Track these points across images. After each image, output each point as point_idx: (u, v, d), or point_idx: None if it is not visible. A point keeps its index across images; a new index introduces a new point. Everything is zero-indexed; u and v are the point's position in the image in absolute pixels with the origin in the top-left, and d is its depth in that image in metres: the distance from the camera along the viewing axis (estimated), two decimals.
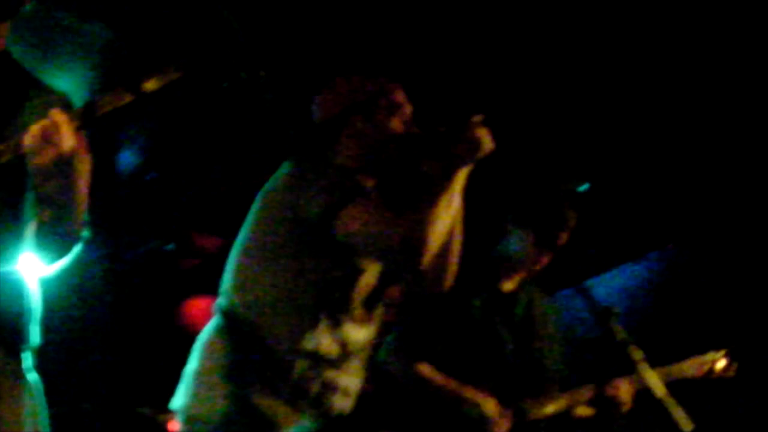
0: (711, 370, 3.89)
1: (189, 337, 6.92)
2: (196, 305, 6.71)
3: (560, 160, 4.80)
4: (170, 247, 5.70)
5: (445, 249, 2.58)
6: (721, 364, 3.90)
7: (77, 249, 2.16)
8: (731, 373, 3.93)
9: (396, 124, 2.75)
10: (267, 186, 2.72)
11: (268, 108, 4.23)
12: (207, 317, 6.97)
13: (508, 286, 3.72)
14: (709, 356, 3.93)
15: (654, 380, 2.18)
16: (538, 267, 3.64)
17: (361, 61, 4.11)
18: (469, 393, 3.51)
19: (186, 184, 5.27)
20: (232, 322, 2.65)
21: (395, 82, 2.83)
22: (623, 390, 3.57)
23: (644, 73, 4.72)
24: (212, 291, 7.05)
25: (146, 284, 6.07)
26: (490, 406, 3.49)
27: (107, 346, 5.85)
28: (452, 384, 3.54)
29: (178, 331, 6.46)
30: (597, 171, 5.01)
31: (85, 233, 2.19)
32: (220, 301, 2.76)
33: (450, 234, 2.59)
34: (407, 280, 2.77)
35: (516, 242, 3.65)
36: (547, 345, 3.79)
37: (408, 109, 2.81)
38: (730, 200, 5.69)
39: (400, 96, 2.81)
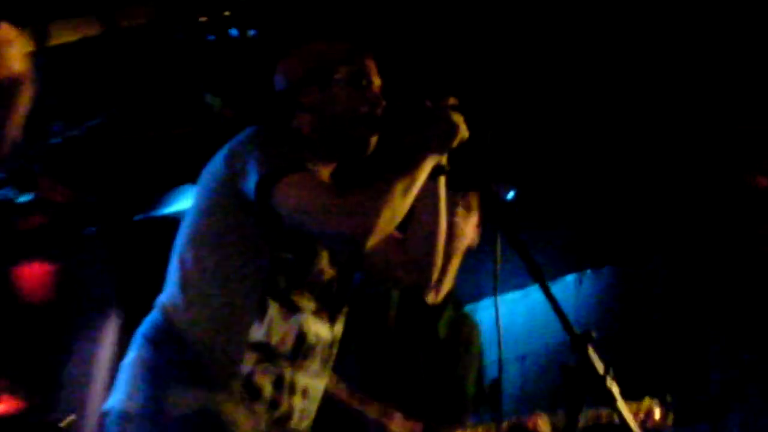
0: (647, 419, 3.97)
1: (20, 303, 6.81)
2: (31, 270, 6.58)
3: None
4: (26, 197, 5.62)
5: (421, 241, 2.68)
6: (658, 414, 3.97)
7: None
8: (669, 423, 4.02)
9: (356, 98, 2.74)
10: (209, 166, 2.69)
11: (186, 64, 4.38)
12: (42, 283, 6.83)
13: (433, 297, 3.80)
14: (646, 402, 4.01)
15: (629, 416, 2.33)
16: (460, 251, 3.77)
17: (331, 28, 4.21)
18: (372, 409, 3.56)
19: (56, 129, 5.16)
20: (172, 319, 2.58)
21: (365, 50, 2.81)
22: (541, 425, 3.76)
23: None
24: (50, 255, 6.96)
25: None
26: (394, 424, 3.57)
27: None
28: (356, 398, 3.58)
29: (9, 295, 6.36)
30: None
31: None
32: (162, 297, 2.65)
33: (421, 226, 2.69)
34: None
35: None
36: (468, 370, 3.86)
37: (376, 83, 2.79)
38: (639, 231, 6.17)
39: (368, 67, 2.79)
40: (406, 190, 2.50)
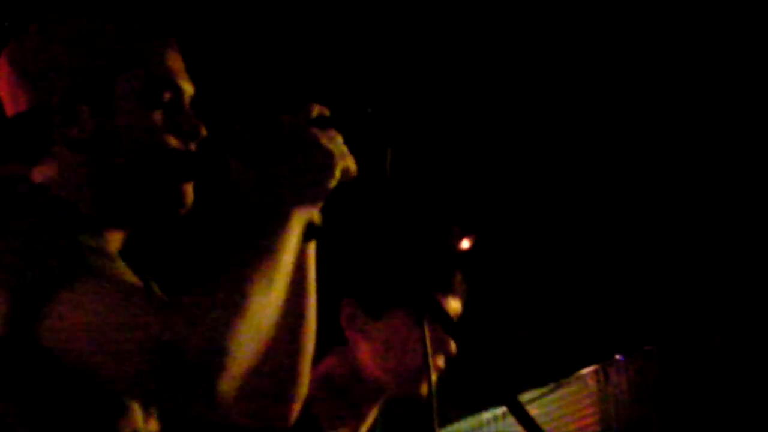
0: None
1: None
2: None
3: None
4: None
5: (278, 358, 2.20)
6: None
7: None
8: None
9: (156, 123, 2.29)
10: None
11: None
12: None
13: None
14: None
15: None
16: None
17: None
18: None
19: None
20: None
21: (163, 36, 2.38)
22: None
23: None
24: None
25: None
26: None
27: None
28: None
29: None
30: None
31: None
32: None
33: (289, 331, 2.22)
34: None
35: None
36: None
37: (188, 93, 2.34)
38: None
39: (171, 66, 2.35)
40: (271, 284, 2.06)
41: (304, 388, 2.33)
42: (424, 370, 2.94)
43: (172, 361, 1.95)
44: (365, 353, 3.40)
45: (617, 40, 5.16)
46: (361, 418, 3.40)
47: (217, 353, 1.95)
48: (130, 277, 2.16)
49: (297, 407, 2.34)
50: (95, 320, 1.98)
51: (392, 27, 4.89)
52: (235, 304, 2.00)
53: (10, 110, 2.27)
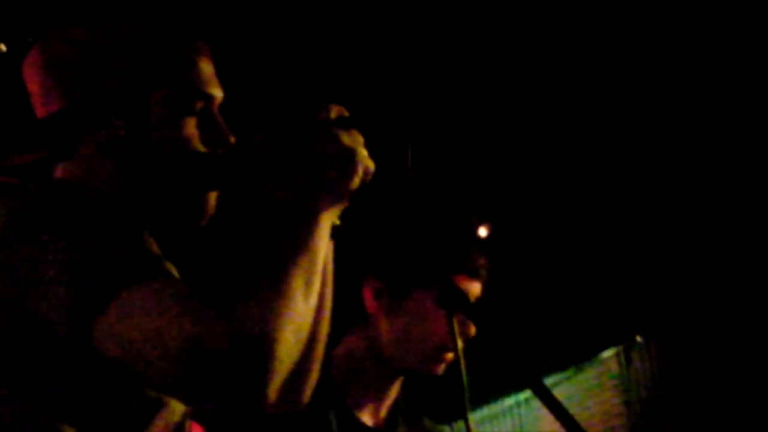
0: None
1: None
2: None
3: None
4: None
5: (306, 350, 2.15)
6: None
7: None
8: None
9: (187, 131, 2.24)
10: None
11: None
12: None
13: (372, 416, 3.40)
14: None
15: None
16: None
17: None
18: None
19: None
20: None
21: (196, 42, 2.34)
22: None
23: None
24: None
25: None
26: None
27: None
28: None
29: None
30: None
31: None
32: None
33: (313, 325, 2.18)
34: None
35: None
36: None
37: (218, 98, 2.30)
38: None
39: (203, 74, 2.30)
40: (309, 287, 2.07)
41: (317, 372, 2.24)
42: (454, 356, 3.01)
43: (224, 368, 1.96)
44: (385, 332, 3.37)
45: (639, 44, 5.23)
46: (381, 397, 3.34)
47: (268, 360, 1.97)
48: (180, 281, 2.15)
49: (310, 392, 2.25)
50: (150, 324, 1.98)
51: (408, 27, 4.96)
52: (280, 309, 2.01)
53: (39, 106, 2.26)
